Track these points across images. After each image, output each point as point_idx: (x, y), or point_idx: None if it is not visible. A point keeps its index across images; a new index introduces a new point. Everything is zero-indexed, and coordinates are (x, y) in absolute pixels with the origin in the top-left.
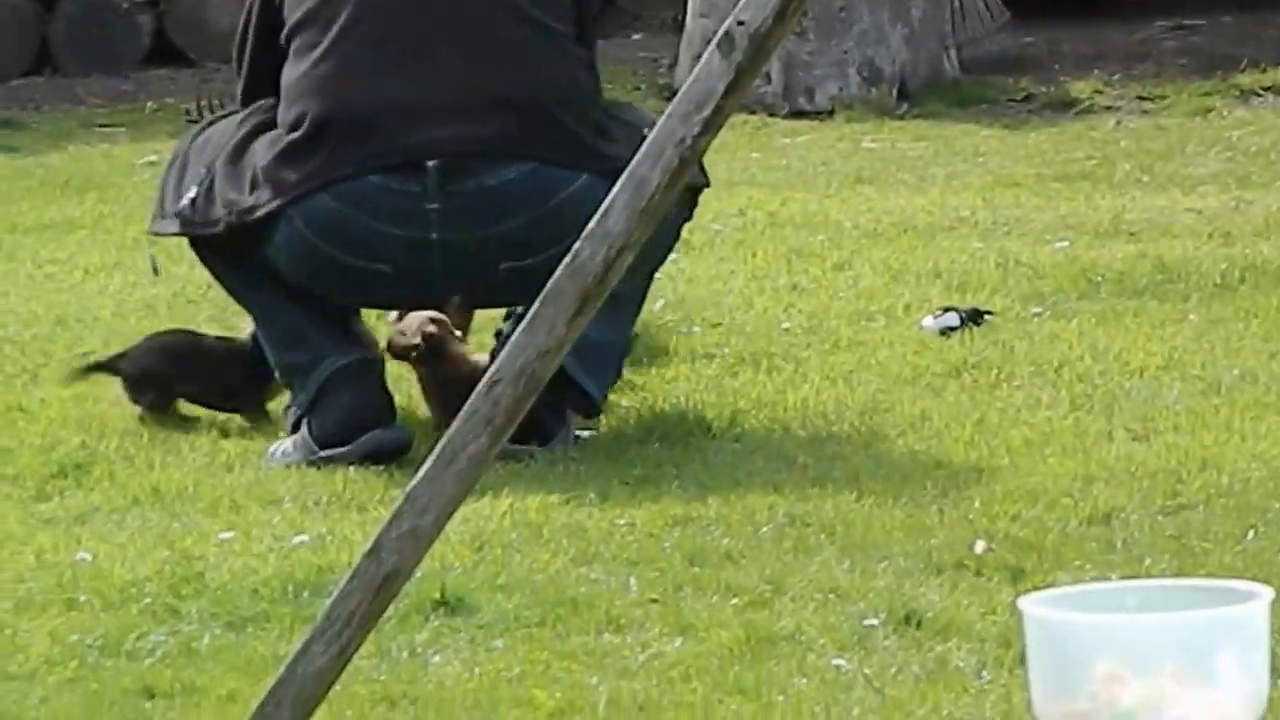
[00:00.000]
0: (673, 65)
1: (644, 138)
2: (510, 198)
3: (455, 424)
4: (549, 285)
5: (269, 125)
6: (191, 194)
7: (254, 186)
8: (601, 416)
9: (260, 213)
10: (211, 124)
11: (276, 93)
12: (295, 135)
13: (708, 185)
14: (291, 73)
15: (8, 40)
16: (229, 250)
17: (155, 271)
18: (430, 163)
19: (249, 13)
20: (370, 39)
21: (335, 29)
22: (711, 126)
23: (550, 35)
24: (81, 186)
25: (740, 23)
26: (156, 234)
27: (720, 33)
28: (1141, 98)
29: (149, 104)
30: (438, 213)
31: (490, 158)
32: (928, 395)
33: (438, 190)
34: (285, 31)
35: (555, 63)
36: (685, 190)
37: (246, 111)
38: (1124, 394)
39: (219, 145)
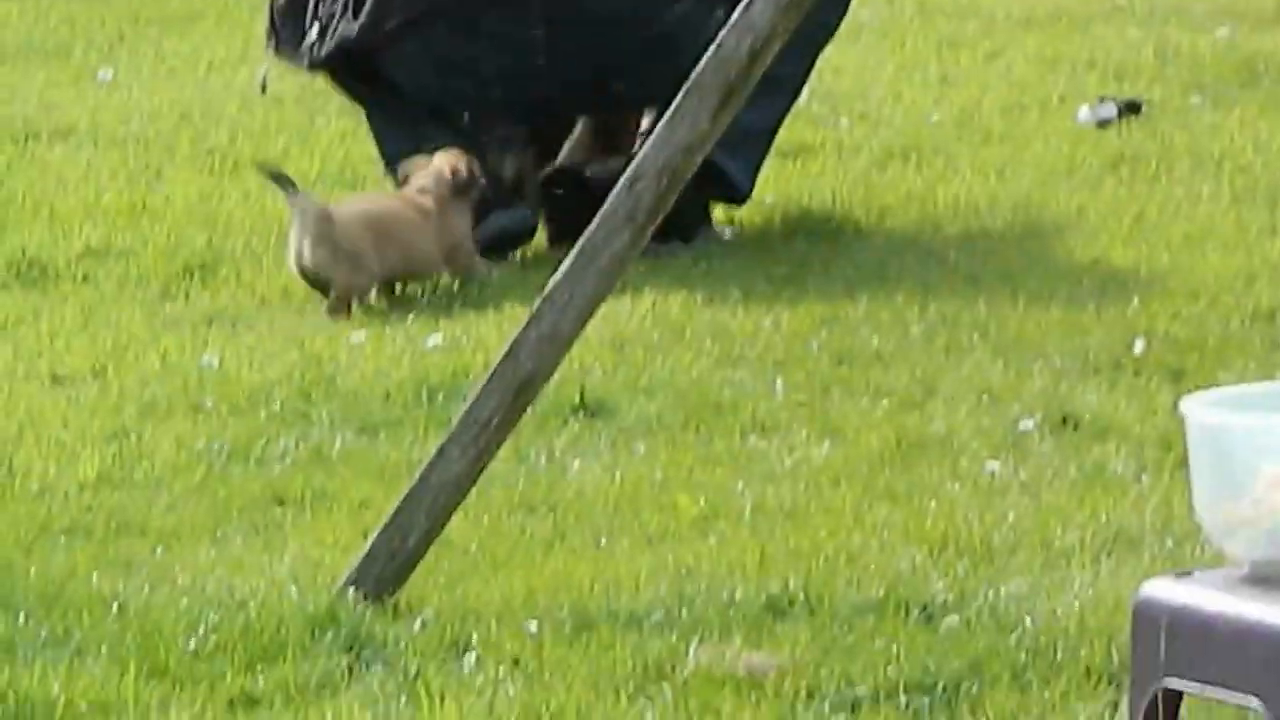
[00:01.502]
0: None
1: None
2: (614, 23)
3: (596, 221)
4: (692, 77)
5: None
6: (312, 37)
7: (370, 12)
8: (744, 211)
9: (376, 44)
10: None
11: None
12: None
13: None
14: None
15: None
16: (348, 69)
17: (263, 90)
18: None
19: None
20: None
21: None
22: None
23: None
24: None
25: None
26: (279, 58)
27: None
28: None
29: None
30: (543, 39)
31: None
32: (1084, 189)
33: (541, 18)
34: None
35: None
36: None
37: None
38: None
39: None
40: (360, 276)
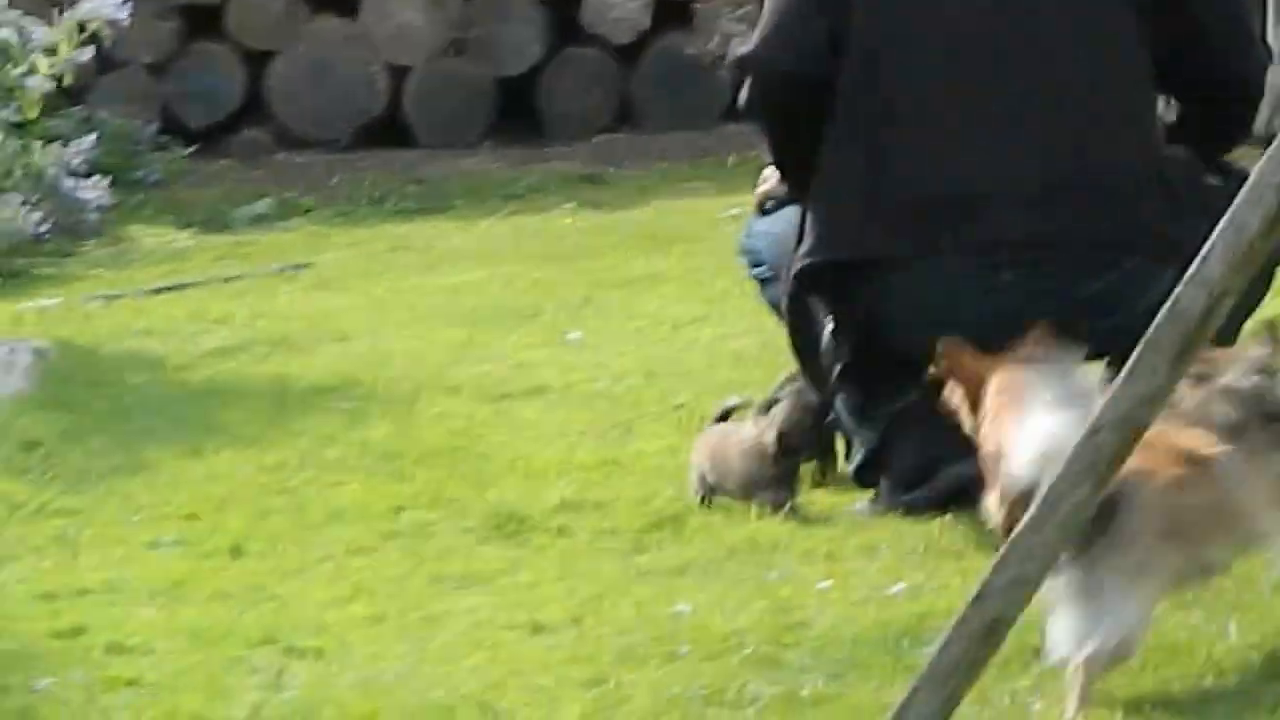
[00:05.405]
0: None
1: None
2: (1081, 259)
3: (1058, 472)
4: (1149, 332)
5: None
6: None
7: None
8: None
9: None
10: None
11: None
12: (883, 205)
13: None
14: (864, 128)
15: (591, 97)
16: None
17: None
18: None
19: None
20: (961, 105)
21: (917, 88)
22: None
23: (1133, 108)
24: (667, 240)
25: None
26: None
27: None
28: None
29: (730, 158)
30: (1011, 285)
31: (1059, 244)
32: None
33: (1010, 265)
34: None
35: (1134, 140)
36: None
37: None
38: None
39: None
40: None
